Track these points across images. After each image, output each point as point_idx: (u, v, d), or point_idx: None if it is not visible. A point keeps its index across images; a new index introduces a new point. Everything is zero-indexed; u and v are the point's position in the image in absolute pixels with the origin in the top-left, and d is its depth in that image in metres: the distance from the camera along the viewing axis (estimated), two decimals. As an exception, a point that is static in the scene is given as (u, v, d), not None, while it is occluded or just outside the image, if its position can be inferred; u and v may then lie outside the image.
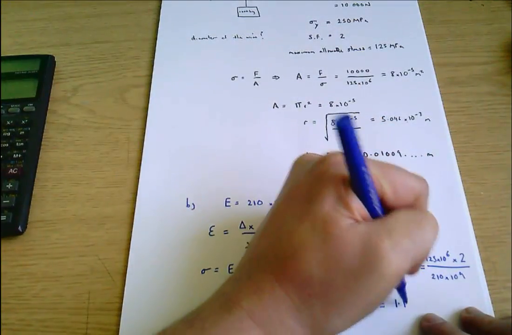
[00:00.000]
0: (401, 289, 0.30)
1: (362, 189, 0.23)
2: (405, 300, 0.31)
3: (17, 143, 0.39)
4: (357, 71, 0.43)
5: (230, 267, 0.34)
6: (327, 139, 0.39)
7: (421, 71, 0.43)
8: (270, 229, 0.26)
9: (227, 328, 0.23)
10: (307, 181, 0.25)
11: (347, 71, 0.43)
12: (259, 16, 0.48)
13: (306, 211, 0.24)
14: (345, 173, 0.23)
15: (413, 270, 0.27)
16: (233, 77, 0.44)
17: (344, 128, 0.21)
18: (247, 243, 0.35)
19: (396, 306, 0.32)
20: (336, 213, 0.23)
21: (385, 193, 0.24)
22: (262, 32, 0.46)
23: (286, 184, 0.28)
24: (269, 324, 0.23)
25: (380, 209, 0.25)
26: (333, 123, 0.21)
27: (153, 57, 0.45)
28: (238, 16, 0.48)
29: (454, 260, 0.33)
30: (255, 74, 0.44)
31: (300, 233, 0.23)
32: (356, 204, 0.24)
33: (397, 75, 0.43)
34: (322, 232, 0.23)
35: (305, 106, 0.41)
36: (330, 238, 0.23)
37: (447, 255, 0.34)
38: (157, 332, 0.25)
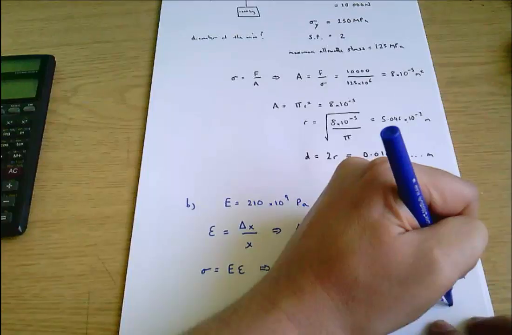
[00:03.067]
0: (448, 293, 0.30)
1: (411, 199, 0.23)
2: (450, 303, 0.31)
3: (17, 143, 0.39)
4: (357, 71, 0.43)
5: (230, 267, 0.34)
6: (327, 139, 0.39)
7: (421, 71, 0.43)
8: (314, 230, 0.25)
9: (263, 329, 0.23)
10: (355, 187, 0.25)
11: (347, 71, 0.43)
12: (259, 16, 0.48)
13: (354, 215, 0.24)
14: (394, 181, 0.23)
15: (460, 276, 0.26)
16: (233, 77, 0.44)
17: (392, 140, 0.21)
18: (247, 243, 0.35)
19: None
20: (386, 220, 0.23)
21: (434, 201, 0.24)
22: (262, 32, 0.46)
23: (330, 187, 0.28)
24: (308, 326, 0.23)
25: (429, 218, 0.24)
26: (383, 135, 0.21)
27: (153, 57, 0.45)
28: (238, 16, 0.48)
29: (454, 260, 0.33)
30: (255, 74, 0.44)
31: (348, 236, 0.23)
32: (405, 213, 0.23)
33: (397, 75, 0.43)
34: (371, 237, 0.23)
35: (305, 106, 0.41)
36: (380, 244, 0.23)
37: (447, 255, 0.34)
38: (190, 328, 0.25)
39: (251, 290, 0.26)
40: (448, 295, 0.30)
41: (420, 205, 0.23)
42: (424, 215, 0.24)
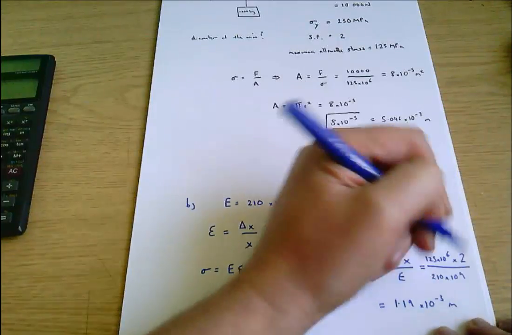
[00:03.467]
0: (448, 237, 0.27)
1: (340, 157, 0.24)
2: (459, 247, 0.28)
3: (17, 143, 0.39)
4: (357, 71, 0.43)
5: (230, 267, 0.34)
6: (327, 139, 0.39)
7: (421, 71, 0.43)
8: (274, 211, 0.27)
9: (230, 301, 0.24)
10: (297, 164, 0.27)
11: (347, 71, 0.43)
12: (259, 16, 0.48)
13: (299, 185, 0.26)
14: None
15: (437, 213, 0.26)
16: (233, 77, 0.44)
17: (294, 113, 0.23)
18: (247, 243, 0.35)
19: (396, 306, 0.32)
20: (325, 181, 0.24)
21: (375, 153, 0.25)
22: (262, 32, 0.46)
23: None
24: (270, 291, 0.24)
25: (375, 170, 0.25)
26: (284, 111, 0.24)
27: (153, 57, 0.45)
28: (238, 16, 0.48)
29: (454, 260, 0.33)
30: (255, 74, 0.44)
31: (294, 204, 0.25)
32: (344, 172, 0.24)
33: (397, 75, 0.43)
34: (313, 199, 0.24)
35: (305, 106, 0.41)
36: (321, 202, 0.24)
37: (447, 255, 0.34)
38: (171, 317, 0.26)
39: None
40: (451, 239, 0.27)
41: (353, 159, 0.24)
42: (363, 167, 0.25)
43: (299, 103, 0.23)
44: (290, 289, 0.24)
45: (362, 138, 0.25)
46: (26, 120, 0.40)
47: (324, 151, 0.25)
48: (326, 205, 0.24)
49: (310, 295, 0.24)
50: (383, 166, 0.26)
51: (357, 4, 0.48)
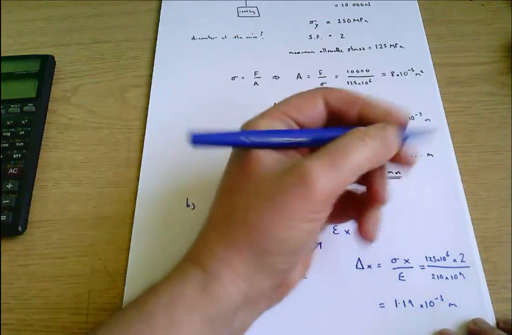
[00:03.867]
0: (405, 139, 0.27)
1: (260, 144, 0.25)
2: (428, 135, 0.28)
3: (17, 143, 0.39)
4: (357, 71, 0.43)
5: (230, 267, 0.34)
6: (327, 139, 0.39)
7: (421, 71, 0.43)
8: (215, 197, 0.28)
9: (169, 275, 0.26)
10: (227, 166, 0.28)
11: (347, 71, 0.43)
12: (259, 16, 0.48)
13: (231, 162, 0.27)
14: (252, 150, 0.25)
15: (381, 172, 0.26)
16: (233, 77, 0.44)
17: (201, 141, 0.25)
18: (247, 243, 0.35)
19: (396, 306, 0.32)
20: (258, 154, 0.24)
21: (298, 121, 0.26)
22: (262, 32, 0.46)
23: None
24: (202, 259, 0.24)
25: (307, 134, 0.25)
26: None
27: (153, 57, 0.45)
28: (238, 16, 0.48)
29: (454, 260, 0.33)
30: (255, 74, 0.44)
31: (228, 179, 0.27)
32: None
33: (397, 75, 0.43)
34: (246, 172, 0.25)
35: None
36: (253, 173, 0.24)
37: (447, 255, 0.34)
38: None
39: None
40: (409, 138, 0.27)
41: (272, 141, 0.25)
42: (286, 141, 0.25)
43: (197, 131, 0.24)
44: (220, 253, 0.24)
45: (275, 111, 0.26)
46: (26, 120, 0.40)
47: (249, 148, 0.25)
48: (259, 175, 0.24)
49: (240, 256, 0.23)
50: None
51: (357, 4, 0.48)
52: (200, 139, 0.25)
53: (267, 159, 0.24)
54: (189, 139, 0.24)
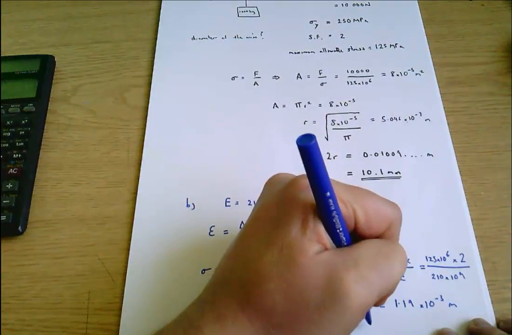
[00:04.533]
0: (367, 313, 0.29)
1: (325, 214, 0.22)
2: (369, 321, 0.31)
3: (17, 143, 0.39)
4: (357, 71, 0.43)
5: (230, 267, 0.34)
6: (327, 139, 0.39)
7: (421, 71, 0.43)
8: (236, 252, 0.25)
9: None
10: (275, 204, 0.24)
11: (347, 71, 0.43)
12: (259, 16, 0.48)
13: (273, 236, 0.23)
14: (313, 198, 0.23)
15: (379, 303, 0.26)
16: (233, 77, 0.43)
17: (307, 148, 0.20)
18: (247, 243, 0.34)
19: (396, 306, 0.32)
20: (303, 239, 0.22)
21: (358, 219, 0.24)
22: (262, 32, 0.46)
23: (257, 204, 0.27)
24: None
25: (346, 236, 0.24)
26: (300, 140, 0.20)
27: (153, 57, 0.45)
28: (238, 16, 0.48)
29: (454, 260, 0.33)
30: (255, 74, 0.44)
31: (267, 259, 0.23)
32: (325, 233, 0.23)
33: (397, 75, 0.43)
34: (288, 260, 0.22)
35: (305, 106, 0.41)
36: (295, 267, 0.22)
37: (447, 255, 0.34)
38: None
39: (180, 314, 0.25)
40: (367, 315, 0.30)
41: (335, 221, 0.23)
42: (338, 231, 0.23)
43: (314, 137, 0.19)
44: None
45: (350, 199, 0.23)
46: (26, 120, 0.40)
47: (316, 200, 0.22)
48: (301, 271, 0.22)
49: None
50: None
51: (357, 4, 0.48)
52: (307, 147, 0.20)
53: (312, 246, 0.22)
54: (303, 137, 0.20)
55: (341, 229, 0.23)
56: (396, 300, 0.32)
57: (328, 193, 0.22)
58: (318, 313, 0.22)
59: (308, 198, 0.23)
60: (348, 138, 0.39)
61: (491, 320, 0.31)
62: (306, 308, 0.22)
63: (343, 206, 0.23)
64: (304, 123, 0.40)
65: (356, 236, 0.24)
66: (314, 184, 0.21)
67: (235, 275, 0.24)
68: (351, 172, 0.38)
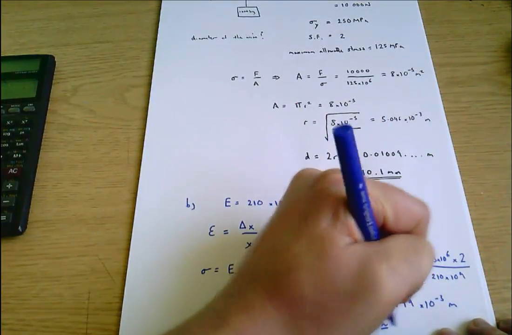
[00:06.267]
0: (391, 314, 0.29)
1: (356, 207, 0.22)
2: (393, 322, 0.30)
3: (17, 143, 0.39)
4: (357, 71, 0.43)
5: (230, 267, 0.34)
6: (327, 139, 0.39)
7: (421, 71, 0.43)
8: (264, 244, 0.25)
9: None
10: (306, 198, 0.24)
11: (347, 71, 0.43)
12: (259, 16, 0.48)
13: (303, 228, 0.23)
14: (344, 191, 0.23)
15: (405, 299, 0.26)
16: (233, 77, 0.44)
17: (343, 138, 0.20)
18: (247, 243, 0.35)
19: (396, 306, 0.32)
20: (334, 231, 0.22)
21: (386, 215, 0.24)
22: (262, 32, 0.46)
23: (284, 198, 0.27)
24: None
25: (375, 230, 0.24)
26: (333, 131, 0.20)
27: (153, 57, 0.45)
28: (238, 16, 0.48)
29: (454, 260, 0.33)
30: (255, 74, 0.44)
31: (296, 250, 0.23)
32: (355, 225, 0.23)
33: (397, 75, 0.43)
34: (318, 250, 0.22)
35: (305, 106, 0.41)
36: (326, 258, 0.22)
37: (447, 255, 0.34)
38: None
39: (205, 306, 0.25)
40: (392, 314, 0.29)
41: (365, 214, 0.22)
42: (368, 224, 0.23)
43: (351, 127, 0.20)
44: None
45: (380, 195, 0.23)
46: (26, 120, 0.40)
47: (347, 192, 0.22)
48: (332, 261, 0.22)
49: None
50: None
51: (357, 4, 0.48)
52: (344, 138, 0.20)
53: (342, 239, 0.22)
54: (340, 128, 0.20)
55: (371, 223, 0.23)
56: (396, 300, 0.32)
57: (361, 185, 0.21)
58: (348, 304, 0.22)
59: (339, 192, 0.23)
60: (348, 138, 0.39)
61: (491, 320, 0.31)
62: (336, 299, 0.22)
63: (373, 202, 0.23)
64: (304, 123, 0.40)
65: (384, 232, 0.24)
66: (347, 175, 0.21)
67: (262, 266, 0.24)
68: (351, 172, 0.38)
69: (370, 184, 0.23)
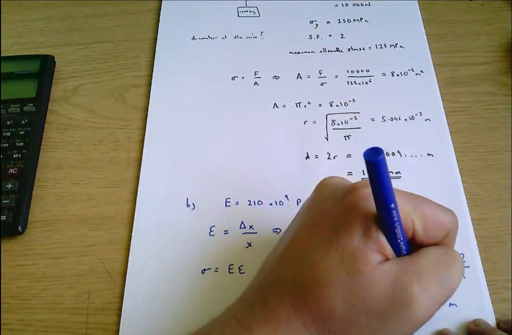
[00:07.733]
0: None
1: (388, 225, 0.22)
2: None
3: (17, 143, 0.39)
4: (357, 71, 0.43)
5: (230, 267, 0.34)
6: (327, 139, 0.39)
7: (421, 71, 0.43)
8: (291, 254, 0.25)
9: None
10: (335, 211, 0.24)
11: (347, 71, 0.43)
12: (259, 16, 0.48)
13: (333, 242, 0.23)
14: (375, 207, 0.23)
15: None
16: (233, 77, 0.43)
17: (376, 163, 0.20)
18: (247, 243, 0.35)
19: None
20: (366, 248, 0.22)
21: (416, 229, 0.24)
22: (262, 32, 0.46)
23: (309, 207, 0.27)
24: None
25: (405, 245, 0.24)
26: (365, 155, 0.20)
27: (153, 57, 0.45)
28: (238, 16, 0.48)
29: (454, 260, 0.33)
30: (255, 74, 0.44)
31: (326, 265, 0.23)
32: (386, 243, 0.23)
33: (397, 75, 0.43)
34: (349, 267, 0.22)
35: (305, 106, 0.41)
36: (358, 275, 0.22)
37: (447, 255, 0.34)
38: None
39: (225, 312, 0.25)
40: None
41: (396, 231, 0.23)
42: (399, 240, 0.23)
43: (382, 151, 0.19)
44: None
45: (409, 209, 0.23)
46: (26, 120, 0.40)
47: (378, 211, 0.22)
48: (364, 279, 0.22)
49: None
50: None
51: (357, 4, 0.48)
52: (375, 161, 0.20)
53: (374, 256, 0.22)
54: (371, 150, 0.19)
55: (401, 238, 0.23)
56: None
57: (393, 205, 0.22)
58: (378, 322, 0.22)
59: (370, 207, 0.23)
60: (348, 138, 0.39)
61: (491, 320, 0.31)
62: (366, 316, 0.22)
63: (403, 217, 0.23)
64: (304, 123, 0.40)
65: (412, 244, 0.24)
66: (379, 196, 0.22)
67: (289, 277, 0.24)
68: (351, 172, 0.38)
69: (398, 196, 0.22)
